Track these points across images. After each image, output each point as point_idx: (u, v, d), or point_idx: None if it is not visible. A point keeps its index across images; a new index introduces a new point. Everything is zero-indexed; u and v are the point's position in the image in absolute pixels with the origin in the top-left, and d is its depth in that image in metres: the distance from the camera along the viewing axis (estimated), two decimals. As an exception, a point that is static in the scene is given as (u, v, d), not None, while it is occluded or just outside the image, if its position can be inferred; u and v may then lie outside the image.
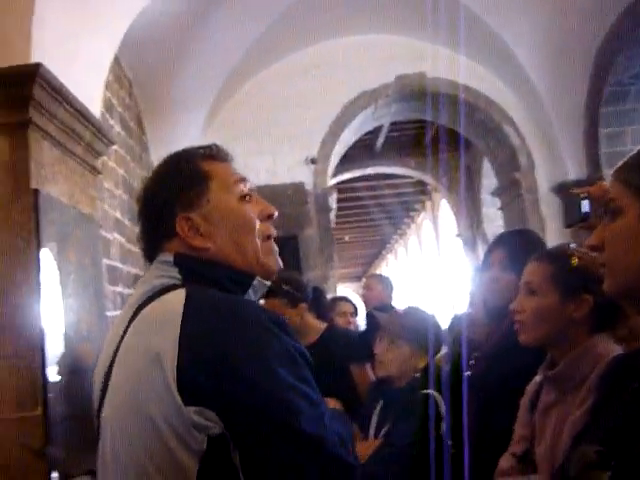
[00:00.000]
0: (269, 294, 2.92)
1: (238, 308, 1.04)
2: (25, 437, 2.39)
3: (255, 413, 0.95)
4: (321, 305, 3.11)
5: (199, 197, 1.17)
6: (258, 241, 1.19)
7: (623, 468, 0.88)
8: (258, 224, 1.20)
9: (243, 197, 1.21)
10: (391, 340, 2.33)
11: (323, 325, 2.96)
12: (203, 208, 1.17)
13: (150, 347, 0.99)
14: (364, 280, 5.27)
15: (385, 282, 4.63)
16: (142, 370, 0.98)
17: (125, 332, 1.08)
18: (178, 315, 0.99)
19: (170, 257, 1.14)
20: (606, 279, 1.05)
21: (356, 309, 4.28)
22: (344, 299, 4.43)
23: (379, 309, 3.80)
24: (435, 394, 2.13)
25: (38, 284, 2.65)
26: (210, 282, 1.11)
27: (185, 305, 1.00)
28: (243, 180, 1.25)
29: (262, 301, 3.03)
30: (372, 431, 2.30)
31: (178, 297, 1.03)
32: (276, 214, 1.25)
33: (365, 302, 4.61)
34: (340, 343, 2.85)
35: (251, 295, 1.18)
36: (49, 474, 2.37)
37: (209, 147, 1.27)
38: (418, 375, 2.26)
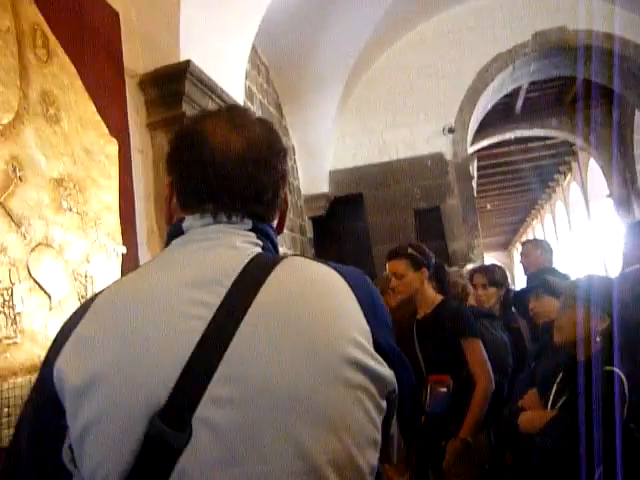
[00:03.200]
0: (394, 256, 2.92)
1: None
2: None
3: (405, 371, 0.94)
4: (440, 281, 3.07)
5: None
6: None
7: None
8: None
9: None
10: (568, 304, 2.26)
11: (439, 298, 2.91)
12: None
13: (343, 313, 0.86)
14: (519, 247, 5.10)
15: (542, 246, 4.49)
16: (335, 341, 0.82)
17: (246, 291, 0.83)
18: (346, 287, 0.89)
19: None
20: None
21: (492, 279, 4.00)
22: (477, 270, 4.22)
23: (541, 273, 3.74)
24: (619, 373, 1.98)
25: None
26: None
27: (344, 279, 0.91)
28: None
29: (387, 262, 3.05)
30: (550, 401, 2.24)
31: (321, 268, 0.92)
32: None
33: (525, 269, 4.50)
34: (451, 317, 2.79)
35: None
36: None
37: None
38: (600, 344, 2.13)
